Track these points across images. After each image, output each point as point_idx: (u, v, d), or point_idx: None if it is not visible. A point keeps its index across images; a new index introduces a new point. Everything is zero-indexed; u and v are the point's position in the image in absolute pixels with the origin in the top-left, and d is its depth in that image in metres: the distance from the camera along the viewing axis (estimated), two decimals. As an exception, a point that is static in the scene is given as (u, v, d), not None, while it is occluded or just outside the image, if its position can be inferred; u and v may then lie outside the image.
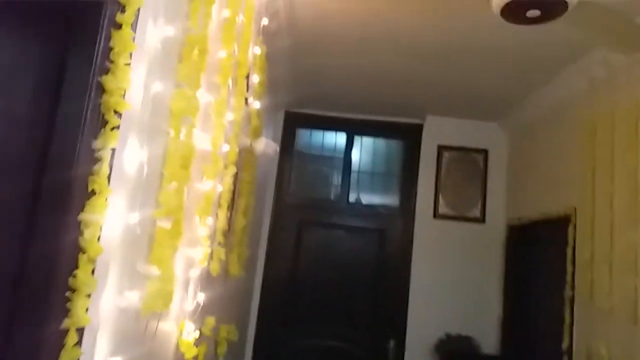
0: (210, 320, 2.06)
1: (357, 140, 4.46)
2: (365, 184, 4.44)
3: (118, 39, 1.02)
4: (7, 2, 1.00)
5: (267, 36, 2.82)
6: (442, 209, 4.11)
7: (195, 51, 1.40)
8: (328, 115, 4.37)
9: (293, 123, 4.42)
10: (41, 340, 0.92)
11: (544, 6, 1.54)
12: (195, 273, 1.72)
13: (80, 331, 0.97)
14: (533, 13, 1.58)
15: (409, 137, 4.35)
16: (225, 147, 1.92)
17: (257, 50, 2.41)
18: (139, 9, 1.07)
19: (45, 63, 1.04)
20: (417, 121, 4.28)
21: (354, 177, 4.42)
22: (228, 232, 2.40)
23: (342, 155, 4.42)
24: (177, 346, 1.67)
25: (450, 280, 3.98)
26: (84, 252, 0.96)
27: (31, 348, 0.93)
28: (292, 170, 4.46)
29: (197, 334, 1.75)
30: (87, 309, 0.96)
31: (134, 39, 1.05)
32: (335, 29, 2.88)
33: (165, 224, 1.31)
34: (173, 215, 1.34)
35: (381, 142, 4.49)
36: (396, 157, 4.47)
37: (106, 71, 1.01)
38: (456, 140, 4.16)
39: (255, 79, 2.40)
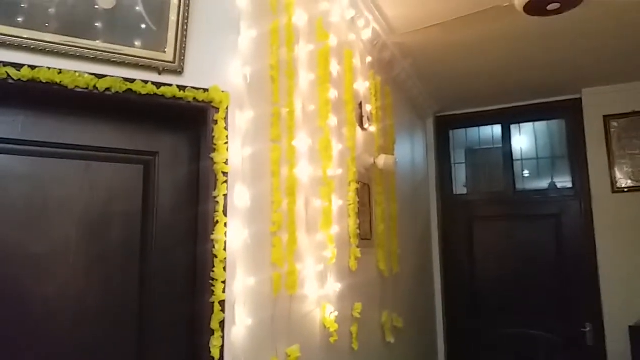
0: (358, 306, 2.62)
1: (515, 128, 4.47)
2: (532, 170, 4.40)
3: (216, 130, 1.72)
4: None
5: (383, 66, 3.32)
6: (621, 182, 3.83)
7: (284, 114, 2.03)
8: (478, 110, 4.52)
9: (445, 125, 4.71)
10: (201, 308, 1.64)
11: (562, -1, 1.67)
12: (326, 268, 2.32)
13: (222, 304, 1.66)
14: (553, 6, 1.71)
15: (568, 114, 4.18)
16: (339, 171, 2.49)
17: (367, 84, 2.93)
18: (227, 107, 1.75)
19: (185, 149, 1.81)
20: (574, 96, 4.09)
21: (517, 165, 4.43)
22: (371, 236, 2.95)
23: (500, 146, 4.49)
24: (322, 322, 2.28)
25: (642, 257, 3.67)
26: (216, 257, 1.66)
27: (200, 311, 1.67)
28: (453, 170, 4.72)
29: (336, 313, 2.34)
30: (223, 290, 1.65)
31: (226, 128, 1.73)
32: (443, 39, 3.18)
33: (282, 235, 1.95)
34: (287, 229, 1.97)
35: (540, 125, 4.40)
36: (559, 137, 4.31)
37: (213, 150, 1.72)
38: (623, 106, 3.84)
39: (368, 108, 2.92)
